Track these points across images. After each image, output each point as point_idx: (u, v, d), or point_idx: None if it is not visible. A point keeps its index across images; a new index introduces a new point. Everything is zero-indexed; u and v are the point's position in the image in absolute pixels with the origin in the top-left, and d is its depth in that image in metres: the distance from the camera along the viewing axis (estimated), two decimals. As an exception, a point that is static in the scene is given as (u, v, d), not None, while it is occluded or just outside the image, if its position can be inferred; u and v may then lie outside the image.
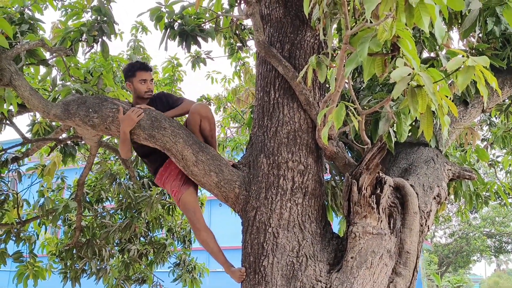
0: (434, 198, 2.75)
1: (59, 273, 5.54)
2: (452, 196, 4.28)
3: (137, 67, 2.97)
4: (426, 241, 26.16)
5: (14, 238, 5.03)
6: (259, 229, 2.54)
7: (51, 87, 4.16)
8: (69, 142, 4.91)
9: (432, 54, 3.30)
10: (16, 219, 4.83)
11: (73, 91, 3.12)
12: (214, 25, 4.01)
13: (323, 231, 2.59)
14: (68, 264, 5.48)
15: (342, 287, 2.27)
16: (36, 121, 4.32)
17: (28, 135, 4.40)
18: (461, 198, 4.62)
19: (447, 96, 2.04)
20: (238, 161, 2.94)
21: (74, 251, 5.46)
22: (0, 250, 5.06)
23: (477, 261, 30.15)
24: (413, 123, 3.32)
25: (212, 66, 34.09)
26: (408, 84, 1.93)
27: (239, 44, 5.26)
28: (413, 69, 1.87)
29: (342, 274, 2.31)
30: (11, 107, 4.07)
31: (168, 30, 3.60)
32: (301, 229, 2.51)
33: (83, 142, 5.10)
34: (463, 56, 1.87)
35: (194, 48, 3.81)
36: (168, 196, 5.97)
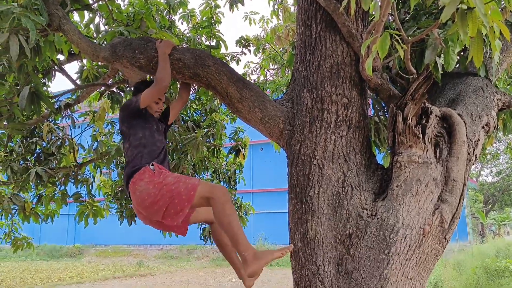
0: (483, 127, 2.70)
1: (115, 212, 5.93)
2: (500, 133, 4.16)
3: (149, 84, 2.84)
4: (472, 180, 25.69)
5: (72, 181, 5.39)
6: (304, 161, 2.61)
7: (95, 34, 4.26)
8: (115, 89, 5.08)
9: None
10: (73, 163, 5.15)
11: (118, 35, 3.19)
12: (251, -39, 3.91)
13: (367, 162, 2.63)
14: (123, 204, 5.85)
15: (388, 214, 2.33)
16: (84, 68, 4.48)
17: (78, 82, 4.59)
18: (511, 130, 4.48)
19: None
20: (281, 97, 2.96)
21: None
22: (61, 192, 5.47)
23: (525, 199, 29.49)
24: (461, 53, 3.20)
25: (250, 7, 33.71)
26: (458, 7, 1.86)
27: (277, -20, 5.12)
28: (463, -11, 1.79)
29: (388, 202, 2.37)
30: (59, 56, 4.23)
31: (206, -32, 3.56)
32: (346, 161, 2.55)
33: (128, 88, 5.26)
34: (518, -28, 1.77)
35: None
36: (212, 139, 6.14)
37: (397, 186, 2.39)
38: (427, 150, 2.43)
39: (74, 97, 4.93)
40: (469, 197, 23.06)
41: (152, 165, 2.52)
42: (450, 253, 16.02)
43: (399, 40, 2.18)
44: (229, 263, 2.77)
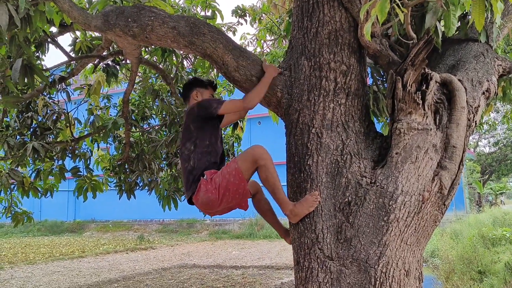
0: (483, 93, 2.66)
1: (114, 186, 5.94)
2: (498, 103, 4.13)
3: (211, 84, 3.09)
4: (469, 150, 25.77)
5: (70, 155, 5.37)
6: (303, 130, 2.58)
7: (87, 5, 4.16)
8: (110, 62, 5.00)
9: None
10: (69, 137, 5.11)
11: (110, 3, 3.11)
12: None
13: (366, 130, 2.60)
14: (122, 178, 5.85)
15: (387, 181, 2.32)
16: (77, 40, 4.39)
17: (72, 55, 4.50)
18: (510, 99, 4.46)
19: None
20: (279, 65, 2.91)
21: (126, 166, 5.80)
22: (59, 166, 5.45)
23: (522, 169, 29.65)
24: (462, 19, 3.13)
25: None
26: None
27: None
28: None
29: (387, 169, 2.36)
30: (51, 29, 4.14)
31: None
32: (345, 129, 2.53)
33: (123, 61, 5.18)
34: None
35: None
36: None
37: (396, 153, 2.37)
38: (426, 117, 2.40)
39: (68, 71, 4.85)
40: (467, 167, 23.19)
41: (204, 175, 2.68)
42: (447, 222, 16.22)
43: (399, 4, 2.12)
44: (271, 225, 3.02)
